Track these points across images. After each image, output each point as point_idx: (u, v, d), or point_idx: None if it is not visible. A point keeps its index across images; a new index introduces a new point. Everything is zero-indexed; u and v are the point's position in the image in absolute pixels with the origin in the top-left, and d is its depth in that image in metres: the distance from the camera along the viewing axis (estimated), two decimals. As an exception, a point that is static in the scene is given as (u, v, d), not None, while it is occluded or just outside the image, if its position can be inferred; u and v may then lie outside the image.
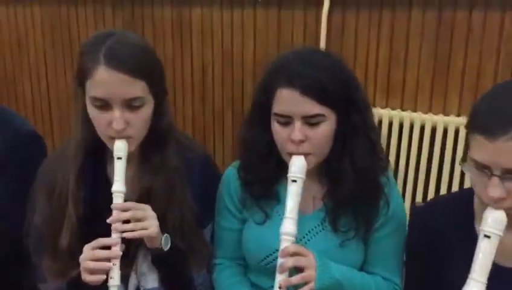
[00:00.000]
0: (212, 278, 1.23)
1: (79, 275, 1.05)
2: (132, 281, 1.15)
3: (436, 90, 2.29)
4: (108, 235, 1.05)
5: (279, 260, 1.02)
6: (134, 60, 1.03)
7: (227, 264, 1.25)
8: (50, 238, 1.11)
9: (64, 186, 1.11)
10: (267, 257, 1.15)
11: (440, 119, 2.26)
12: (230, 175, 1.23)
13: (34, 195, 1.17)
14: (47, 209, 1.12)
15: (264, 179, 1.16)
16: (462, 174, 2.24)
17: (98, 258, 1.02)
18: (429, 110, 2.33)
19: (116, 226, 1.03)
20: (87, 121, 1.09)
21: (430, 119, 2.28)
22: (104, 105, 1.03)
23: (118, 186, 1.05)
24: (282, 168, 1.10)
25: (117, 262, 1.02)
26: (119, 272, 1.02)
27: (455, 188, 2.29)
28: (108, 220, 1.04)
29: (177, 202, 1.12)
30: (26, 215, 1.15)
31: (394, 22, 2.32)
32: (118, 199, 1.05)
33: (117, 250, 1.02)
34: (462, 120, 2.20)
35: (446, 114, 2.29)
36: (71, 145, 1.13)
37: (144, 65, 1.05)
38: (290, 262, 1.01)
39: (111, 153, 1.08)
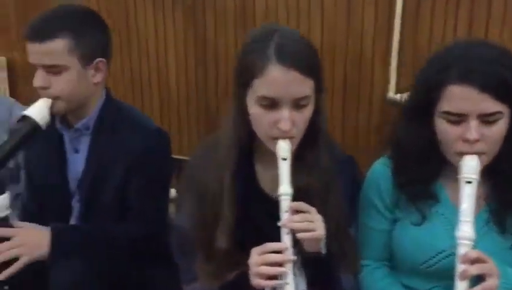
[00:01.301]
0: (357, 280, 1.18)
1: (234, 278, 1.02)
2: None
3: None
4: (260, 237, 1.02)
5: (460, 267, 0.97)
6: (305, 57, 1.00)
7: (375, 265, 1.21)
8: (203, 240, 1.09)
9: (218, 187, 1.08)
10: (429, 259, 1.09)
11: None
12: (379, 173, 1.18)
13: (180, 198, 1.15)
14: (199, 212, 1.09)
15: (423, 179, 1.11)
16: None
17: (271, 262, 0.97)
18: None
19: (291, 225, 0.98)
20: (242, 121, 1.06)
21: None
22: (272, 104, 1.00)
23: (285, 188, 1.01)
24: (442, 167, 1.06)
25: (290, 267, 0.98)
26: (293, 277, 0.98)
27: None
28: (279, 223, 1.00)
29: (332, 202, 1.08)
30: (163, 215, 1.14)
31: (473, 4, 2.20)
32: (285, 202, 1.01)
33: (290, 254, 0.98)
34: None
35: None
36: (222, 145, 1.09)
37: (313, 63, 1.02)
38: (474, 270, 0.96)
39: (260, 152, 1.07)
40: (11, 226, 1.19)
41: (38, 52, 1.19)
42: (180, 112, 2.90)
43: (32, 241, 1.19)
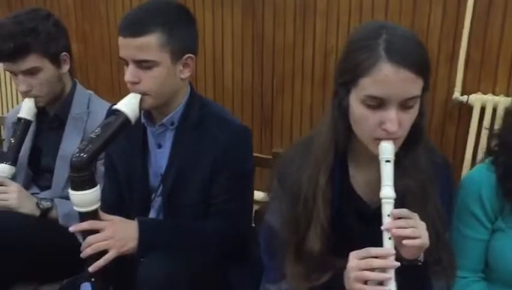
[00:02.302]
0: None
1: (326, 281, 0.99)
2: None
3: None
4: (351, 240, 0.99)
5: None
6: (416, 55, 0.96)
7: (473, 278, 1.16)
8: (294, 241, 1.07)
9: (312, 188, 1.05)
10: None
11: None
12: (481, 180, 1.13)
13: (270, 196, 1.13)
14: (290, 212, 1.07)
15: None
16: None
17: (374, 267, 0.94)
18: None
19: (397, 230, 0.94)
20: (341, 120, 1.02)
21: None
22: (379, 105, 0.96)
23: (388, 191, 0.97)
24: None
25: (393, 273, 0.94)
26: (395, 283, 0.94)
27: None
28: (383, 228, 0.96)
29: (430, 208, 1.04)
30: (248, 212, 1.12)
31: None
32: (388, 206, 0.97)
33: (393, 260, 0.94)
34: None
35: None
36: (319, 145, 1.06)
37: (423, 61, 0.97)
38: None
39: (355, 153, 1.05)
40: (100, 219, 1.20)
41: (130, 46, 1.19)
42: (234, 107, 2.89)
43: (121, 234, 1.19)
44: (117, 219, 1.23)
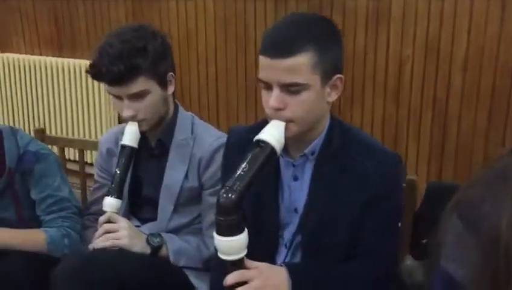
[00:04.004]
0: None
1: None
2: None
3: None
4: None
5: None
6: None
7: None
8: None
9: None
10: None
11: None
12: None
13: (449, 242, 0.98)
14: (487, 265, 0.91)
15: None
16: None
17: None
18: None
19: None
20: None
21: None
22: None
23: None
24: None
25: None
26: None
27: None
28: None
29: None
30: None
31: None
32: None
33: None
34: None
35: None
36: None
37: None
38: None
39: None
40: (245, 267, 1.05)
41: (278, 68, 1.04)
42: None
43: (272, 284, 1.05)
44: (263, 266, 1.08)
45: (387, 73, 2.50)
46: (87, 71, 1.34)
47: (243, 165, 1.02)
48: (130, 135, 1.36)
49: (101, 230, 1.32)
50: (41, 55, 3.25)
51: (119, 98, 1.35)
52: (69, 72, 3.10)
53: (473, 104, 2.37)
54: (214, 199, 1.43)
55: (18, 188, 1.42)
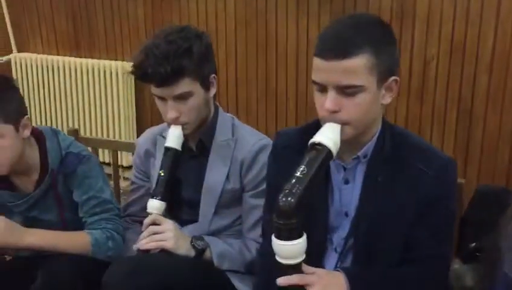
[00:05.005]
0: None
1: None
2: None
3: None
4: None
5: None
6: None
7: None
8: None
9: None
10: None
11: None
12: None
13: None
14: None
15: None
16: None
17: None
18: None
19: None
20: None
21: None
22: None
23: None
24: None
25: None
26: None
27: None
28: None
29: None
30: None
31: None
32: None
33: None
34: None
35: None
36: None
37: None
38: None
39: None
40: (302, 271, 1.04)
41: (335, 70, 1.03)
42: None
43: (331, 289, 1.04)
44: (321, 271, 1.08)
45: (411, 72, 2.49)
46: (132, 72, 1.33)
47: (301, 168, 1.01)
48: (174, 137, 1.35)
49: (146, 232, 1.31)
50: (58, 55, 3.24)
51: (163, 99, 1.34)
52: (87, 72, 3.08)
53: (498, 105, 2.36)
54: (255, 201, 1.43)
55: (60, 189, 1.41)
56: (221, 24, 2.83)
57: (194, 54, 1.31)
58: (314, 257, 1.20)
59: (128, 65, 2.99)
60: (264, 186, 1.41)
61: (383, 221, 1.14)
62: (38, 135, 1.40)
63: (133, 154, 1.65)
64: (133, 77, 2.99)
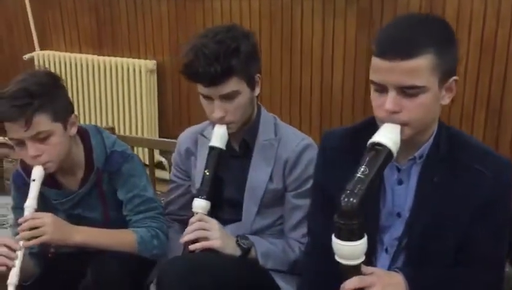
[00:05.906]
0: None
1: None
2: None
3: None
4: None
5: None
6: None
7: None
8: None
9: None
10: None
11: None
12: None
13: None
14: None
15: None
16: None
17: None
18: None
19: None
20: None
21: None
22: None
23: None
24: None
25: None
26: None
27: None
28: None
29: None
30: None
31: None
32: None
33: None
34: None
35: None
36: None
37: None
38: None
39: None
40: (361, 272, 1.04)
41: (397, 71, 1.02)
42: (343, 121, 2.73)
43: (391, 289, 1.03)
44: (379, 271, 1.07)
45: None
46: (182, 72, 1.33)
47: (362, 169, 1.01)
48: (219, 137, 1.35)
49: (192, 227, 1.30)
50: (81, 52, 3.24)
51: (209, 98, 1.34)
52: (110, 70, 3.08)
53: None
54: (297, 201, 1.42)
55: (105, 188, 1.41)
56: (246, 21, 2.82)
57: (242, 54, 1.31)
58: (365, 257, 1.20)
59: (152, 63, 3.02)
60: (307, 186, 1.41)
61: (438, 222, 1.13)
62: (82, 133, 1.41)
63: (159, 153, 1.64)
64: (155, 75, 3.07)
